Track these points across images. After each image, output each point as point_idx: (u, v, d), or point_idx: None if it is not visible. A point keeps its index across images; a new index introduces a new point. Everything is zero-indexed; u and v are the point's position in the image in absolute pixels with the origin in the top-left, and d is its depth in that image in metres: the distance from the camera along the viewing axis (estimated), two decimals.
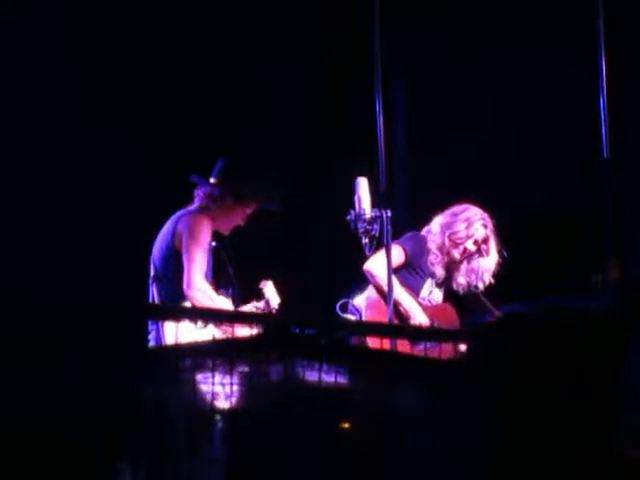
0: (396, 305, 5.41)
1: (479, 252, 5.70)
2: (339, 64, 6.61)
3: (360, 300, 5.63)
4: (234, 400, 3.77)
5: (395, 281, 5.28)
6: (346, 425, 4.21)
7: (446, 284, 5.84)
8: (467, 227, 5.73)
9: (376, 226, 5.14)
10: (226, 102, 6.45)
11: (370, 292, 5.62)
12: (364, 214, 5.00)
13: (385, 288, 5.30)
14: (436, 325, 5.60)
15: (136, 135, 6.19)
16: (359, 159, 5.94)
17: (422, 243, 5.65)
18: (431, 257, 5.70)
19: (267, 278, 5.30)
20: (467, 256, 5.72)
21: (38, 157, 5.98)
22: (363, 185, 5.05)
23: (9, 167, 5.92)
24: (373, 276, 5.55)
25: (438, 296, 5.82)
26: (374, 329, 4.62)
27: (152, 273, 5.13)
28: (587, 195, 6.19)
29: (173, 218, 5.15)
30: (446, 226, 5.71)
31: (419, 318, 5.57)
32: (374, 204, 5.03)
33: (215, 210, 5.15)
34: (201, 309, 4.68)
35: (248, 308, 5.22)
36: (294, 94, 6.60)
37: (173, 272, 5.02)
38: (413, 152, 6.62)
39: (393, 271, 5.37)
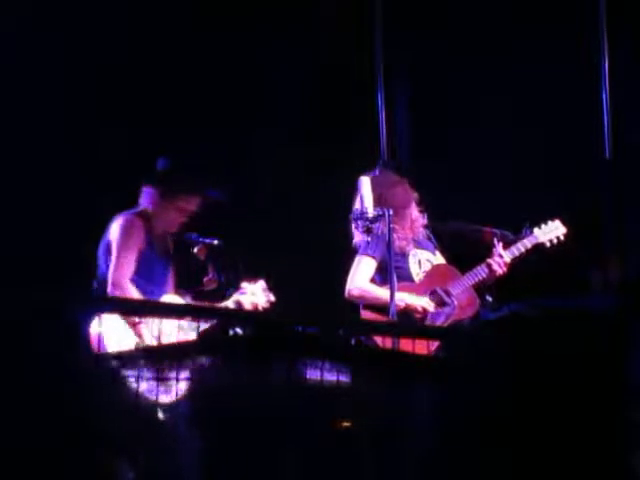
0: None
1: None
2: (341, 63, 6.59)
3: None
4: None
5: (383, 289, 5.27)
6: (345, 423, 4.24)
7: (421, 239, 5.77)
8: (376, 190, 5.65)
9: (378, 224, 5.17)
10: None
11: (363, 315, 5.57)
12: (367, 213, 5.02)
13: (374, 298, 5.42)
14: (438, 290, 5.56)
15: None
16: (361, 157, 6.01)
17: (380, 239, 5.45)
18: (394, 238, 5.62)
19: (257, 277, 5.31)
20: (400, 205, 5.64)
21: None
22: (366, 184, 5.07)
23: None
24: (358, 297, 5.54)
25: (428, 257, 5.73)
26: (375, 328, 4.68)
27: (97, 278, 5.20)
28: (588, 194, 6.23)
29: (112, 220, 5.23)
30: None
31: (416, 302, 5.51)
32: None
33: (155, 210, 5.20)
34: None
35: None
36: (297, 93, 6.57)
37: (106, 273, 5.10)
38: (415, 151, 6.61)
39: (376, 279, 5.49)
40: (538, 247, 5.72)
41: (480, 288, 5.63)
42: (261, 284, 5.28)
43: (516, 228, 5.76)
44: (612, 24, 6.03)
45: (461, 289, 5.59)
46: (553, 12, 6.35)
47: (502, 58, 6.51)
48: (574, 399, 4.25)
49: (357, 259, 5.51)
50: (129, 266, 5.05)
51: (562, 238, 5.75)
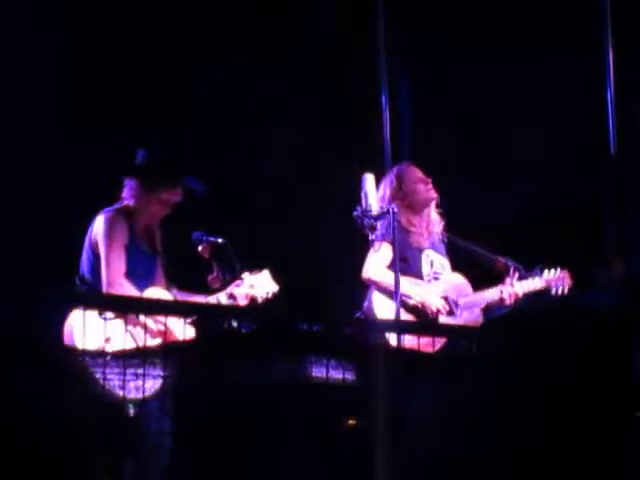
0: (406, 300, 5.39)
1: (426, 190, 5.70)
2: (345, 62, 6.59)
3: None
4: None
5: (402, 279, 5.24)
6: (352, 422, 4.23)
7: (436, 241, 5.79)
8: (392, 182, 5.69)
9: (382, 221, 5.16)
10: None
11: (375, 299, 5.59)
12: (371, 210, 5.02)
13: (391, 285, 5.32)
14: (449, 299, 5.58)
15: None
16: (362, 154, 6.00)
17: (387, 228, 5.42)
18: (412, 231, 5.66)
19: (262, 267, 5.29)
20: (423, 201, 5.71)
21: None
22: (370, 181, 5.06)
23: None
24: (375, 282, 5.53)
25: (441, 261, 5.75)
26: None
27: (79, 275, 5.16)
28: (591, 192, 6.23)
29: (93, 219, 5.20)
30: (391, 196, 5.66)
31: (433, 302, 5.53)
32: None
33: (136, 205, 5.15)
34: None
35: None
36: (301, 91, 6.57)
37: (92, 273, 5.06)
38: (417, 148, 6.60)
39: (389, 267, 5.44)
40: (544, 290, 5.78)
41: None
42: (265, 274, 5.26)
43: (519, 225, 5.79)
44: (617, 17, 6.01)
45: (469, 306, 5.62)
46: (557, 6, 6.36)
47: (504, 53, 6.51)
48: (579, 396, 4.27)
49: (377, 244, 5.45)
50: (120, 262, 5.00)
51: (566, 291, 5.81)
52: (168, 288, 5.17)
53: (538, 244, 6.12)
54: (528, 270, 5.76)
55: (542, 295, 5.76)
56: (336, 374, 4.14)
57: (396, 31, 6.47)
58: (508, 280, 5.65)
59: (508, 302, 5.62)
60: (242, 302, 5.14)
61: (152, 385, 3.91)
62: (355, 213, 5.05)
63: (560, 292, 5.79)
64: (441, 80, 6.69)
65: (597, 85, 5.84)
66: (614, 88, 5.62)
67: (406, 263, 5.49)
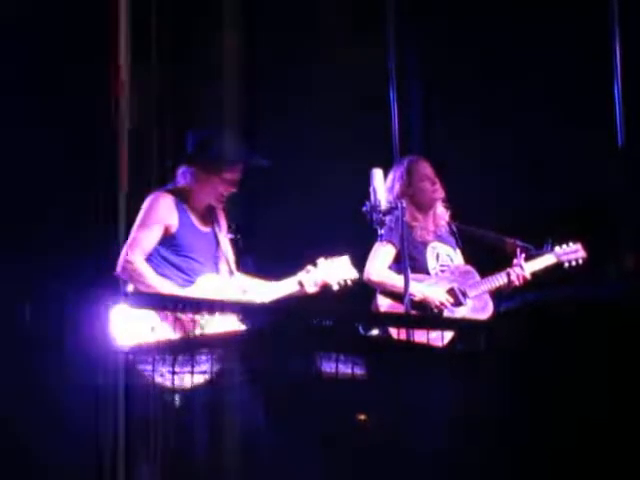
0: (411, 298, 5.40)
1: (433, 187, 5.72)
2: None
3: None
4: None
5: (401, 276, 5.24)
6: (362, 417, 4.24)
7: (443, 233, 5.82)
8: (402, 176, 5.72)
9: (390, 217, 5.16)
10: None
11: (380, 301, 5.61)
12: (379, 205, 5.01)
13: (392, 286, 5.46)
14: (455, 289, 5.62)
15: None
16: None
17: (395, 225, 5.46)
18: (415, 226, 5.68)
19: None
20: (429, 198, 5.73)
21: None
22: (378, 176, 5.06)
23: None
24: (376, 283, 5.58)
25: (448, 252, 5.77)
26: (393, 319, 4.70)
27: None
28: (601, 183, 6.21)
29: None
30: (399, 192, 5.68)
31: (437, 297, 5.57)
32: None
33: (196, 187, 5.08)
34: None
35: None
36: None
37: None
38: (428, 146, 6.60)
39: (393, 267, 5.54)
40: (556, 266, 5.83)
41: (495, 294, 5.70)
42: (345, 260, 5.25)
43: (535, 235, 5.82)
44: (624, 12, 6.02)
45: (478, 293, 5.66)
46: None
47: (513, 46, 6.51)
48: (590, 389, 4.27)
49: (377, 245, 5.53)
50: (144, 241, 4.95)
51: (581, 262, 5.85)
52: (231, 272, 5.11)
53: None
54: (539, 249, 5.80)
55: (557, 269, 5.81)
56: (345, 369, 4.18)
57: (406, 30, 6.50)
58: (516, 261, 5.70)
59: (517, 283, 5.67)
60: (311, 290, 5.12)
61: (199, 375, 3.93)
62: (364, 208, 5.05)
63: (574, 265, 5.84)
64: (452, 80, 6.69)
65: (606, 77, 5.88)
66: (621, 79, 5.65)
67: (411, 260, 5.50)
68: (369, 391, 4.16)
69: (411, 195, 5.67)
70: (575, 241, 5.89)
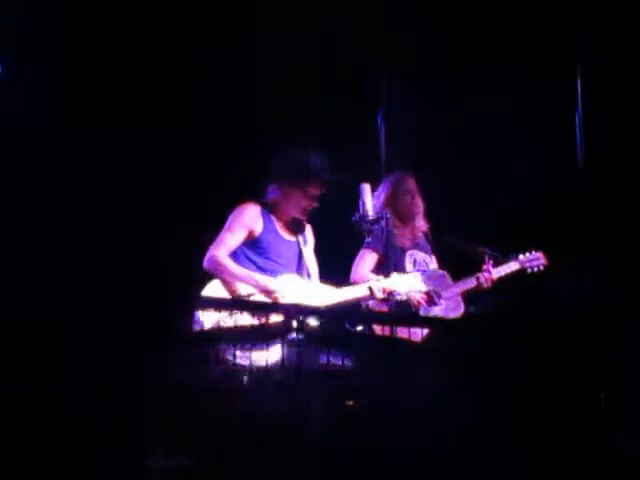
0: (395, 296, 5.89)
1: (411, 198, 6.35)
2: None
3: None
4: None
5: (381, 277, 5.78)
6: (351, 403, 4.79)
7: (421, 241, 6.42)
8: (388, 188, 6.36)
9: (377, 226, 5.77)
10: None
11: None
12: (368, 216, 5.61)
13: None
14: (431, 291, 6.18)
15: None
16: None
17: (380, 233, 5.96)
18: (396, 234, 6.29)
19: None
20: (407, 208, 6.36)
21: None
22: (367, 191, 5.64)
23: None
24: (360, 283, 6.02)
25: (425, 259, 6.38)
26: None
27: None
28: (562, 199, 6.76)
29: None
30: (384, 202, 6.29)
31: (414, 296, 6.03)
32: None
33: (283, 201, 5.71)
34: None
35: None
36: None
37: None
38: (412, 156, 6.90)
39: (375, 271, 6.10)
40: (520, 272, 6.46)
41: (466, 296, 6.33)
42: (417, 275, 5.72)
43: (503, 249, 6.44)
44: (583, 40, 6.51)
45: (450, 294, 6.27)
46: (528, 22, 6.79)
47: (478, 69, 6.90)
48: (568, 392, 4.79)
49: (362, 251, 6.17)
50: (228, 241, 5.52)
51: (542, 269, 6.48)
52: (308, 276, 5.67)
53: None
54: (505, 256, 6.46)
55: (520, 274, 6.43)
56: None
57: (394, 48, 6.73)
58: (485, 267, 6.35)
59: (486, 286, 6.32)
60: (379, 295, 5.58)
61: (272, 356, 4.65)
62: (354, 218, 5.62)
63: (536, 271, 6.48)
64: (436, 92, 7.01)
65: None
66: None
67: (393, 261, 6.09)
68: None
69: (394, 206, 6.31)
70: (537, 250, 6.51)
